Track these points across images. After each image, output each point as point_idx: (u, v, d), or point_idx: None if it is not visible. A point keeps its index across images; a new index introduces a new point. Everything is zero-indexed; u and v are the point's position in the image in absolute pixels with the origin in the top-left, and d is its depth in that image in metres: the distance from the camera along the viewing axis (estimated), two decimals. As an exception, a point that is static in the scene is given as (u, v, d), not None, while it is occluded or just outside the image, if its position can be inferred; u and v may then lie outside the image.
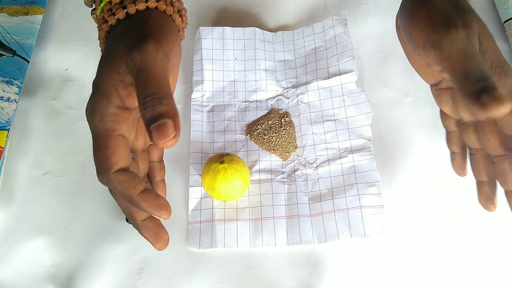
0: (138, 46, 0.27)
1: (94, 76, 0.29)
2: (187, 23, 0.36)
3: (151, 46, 0.27)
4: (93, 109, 0.28)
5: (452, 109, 0.35)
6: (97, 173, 0.27)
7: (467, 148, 0.36)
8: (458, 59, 0.27)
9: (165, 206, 0.27)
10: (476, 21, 0.29)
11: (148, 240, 0.30)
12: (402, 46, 0.36)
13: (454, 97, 0.35)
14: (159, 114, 0.24)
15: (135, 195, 0.26)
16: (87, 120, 0.28)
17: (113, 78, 0.28)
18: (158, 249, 0.30)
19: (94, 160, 0.27)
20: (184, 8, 0.34)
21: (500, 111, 0.24)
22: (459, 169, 0.38)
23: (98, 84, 0.28)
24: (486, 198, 0.35)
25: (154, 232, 0.29)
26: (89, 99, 0.28)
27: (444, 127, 0.38)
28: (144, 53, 0.26)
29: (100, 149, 0.27)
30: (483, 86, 0.25)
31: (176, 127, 0.24)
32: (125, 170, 0.27)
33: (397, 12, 0.35)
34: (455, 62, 0.27)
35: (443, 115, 0.37)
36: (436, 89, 0.36)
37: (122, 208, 0.30)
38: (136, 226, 0.30)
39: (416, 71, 0.37)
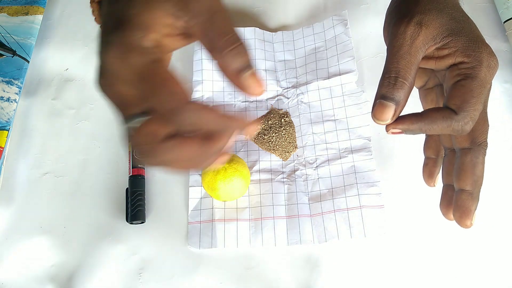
0: None
1: (101, 53, 0.24)
2: None
3: None
4: (128, 43, 0.23)
5: None
6: (168, 113, 0.22)
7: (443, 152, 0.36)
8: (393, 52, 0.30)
9: (259, 83, 0.25)
10: (435, 19, 0.30)
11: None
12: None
13: (438, 96, 0.35)
14: (248, 62, 0.24)
15: (221, 115, 0.24)
16: (117, 60, 0.23)
17: (154, 13, 0.24)
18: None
19: (156, 101, 0.22)
20: None
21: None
22: (429, 177, 0.37)
23: (129, 18, 0.23)
24: (447, 205, 0.34)
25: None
26: (112, 37, 0.23)
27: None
28: None
29: (161, 85, 0.23)
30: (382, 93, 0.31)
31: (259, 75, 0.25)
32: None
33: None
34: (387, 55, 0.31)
35: None
36: (423, 90, 0.36)
37: (186, 156, 0.24)
38: (225, 129, 0.25)
39: None
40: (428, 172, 0.37)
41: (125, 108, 0.24)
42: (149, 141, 0.23)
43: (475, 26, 0.31)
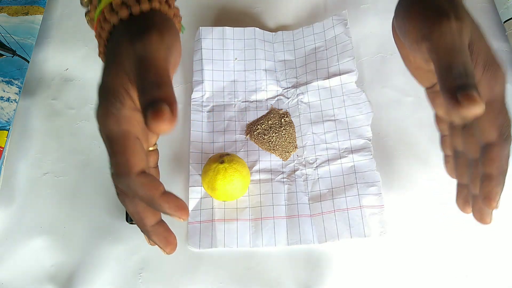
0: (141, 37, 0.26)
1: (99, 79, 0.28)
2: (182, 28, 0.36)
3: (154, 37, 0.26)
4: (107, 112, 0.27)
5: (446, 112, 0.35)
6: (116, 176, 0.27)
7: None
8: (445, 51, 0.26)
9: (184, 207, 0.27)
10: (469, 18, 0.29)
11: (158, 245, 0.30)
12: (398, 50, 0.36)
13: None
14: (156, 98, 0.23)
15: (157, 196, 0.26)
16: (100, 124, 0.27)
17: (122, 78, 0.27)
18: (167, 253, 0.30)
19: (112, 164, 0.27)
20: (180, 15, 0.35)
21: (471, 111, 0.24)
22: (452, 172, 0.37)
23: (107, 86, 0.27)
24: (464, 201, 0.34)
25: (164, 237, 0.29)
26: (99, 102, 0.27)
27: (438, 130, 0.38)
28: (147, 43, 0.26)
29: (119, 152, 0.26)
30: (463, 83, 0.24)
31: (173, 112, 0.23)
32: (144, 172, 0.27)
33: (393, 15, 0.35)
34: (441, 54, 0.26)
35: (437, 118, 0.37)
36: (431, 91, 0.36)
37: (131, 213, 0.29)
38: (146, 231, 0.29)
39: (411, 74, 0.36)
40: (451, 168, 0.37)
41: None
42: (116, 184, 0.29)
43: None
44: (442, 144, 0.38)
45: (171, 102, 0.23)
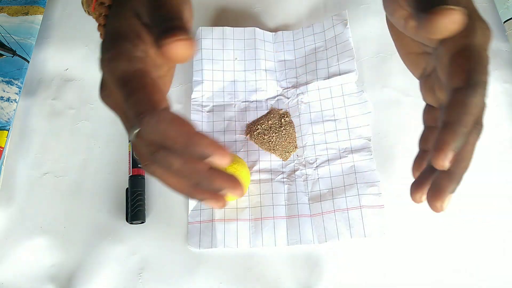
0: None
1: (106, 30, 0.26)
2: None
3: None
4: (117, 54, 0.24)
5: (434, 96, 0.32)
6: (137, 116, 0.22)
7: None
8: None
9: (224, 149, 0.23)
10: None
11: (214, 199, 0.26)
12: (392, 38, 0.34)
13: (435, 81, 0.31)
14: (172, 26, 0.22)
15: (192, 132, 0.22)
16: (109, 69, 0.24)
17: (132, 21, 0.25)
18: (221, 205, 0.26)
19: (131, 105, 0.23)
20: None
21: (448, 18, 0.23)
22: (416, 169, 0.32)
23: (115, 31, 0.25)
24: (418, 185, 0.29)
25: (230, 184, 0.25)
26: (105, 49, 0.25)
27: (423, 123, 0.33)
28: None
29: (138, 89, 0.23)
30: (439, 3, 0.23)
31: (191, 37, 0.22)
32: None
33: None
34: None
35: (426, 110, 0.33)
36: (423, 79, 0.33)
37: (173, 171, 0.24)
38: (200, 189, 0.25)
39: (405, 62, 0.34)
40: (417, 165, 0.31)
41: (124, 116, 0.25)
42: (141, 151, 0.24)
43: None
44: (422, 137, 0.33)
45: (186, 30, 0.22)
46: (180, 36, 0.21)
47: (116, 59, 0.24)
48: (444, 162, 0.24)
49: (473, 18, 0.26)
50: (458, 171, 0.26)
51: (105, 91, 0.26)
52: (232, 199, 0.46)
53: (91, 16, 0.34)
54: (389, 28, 0.34)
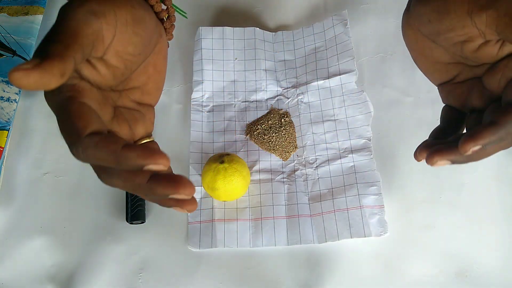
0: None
1: None
2: (183, 13, 0.34)
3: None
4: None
5: (463, 101, 0.32)
6: (70, 150, 0.23)
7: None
8: None
9: (158, 151, 0.21)
10: None
11: (175, 204, 0.24)
12: (409, 46, 0.34)
13: (472, 90, 0.32)
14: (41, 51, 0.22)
15: (119, 149, 0.21)
16: (47, 100, 0.24)
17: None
18: (189, 209, 0.24)
19: (63, 136, 0.23)
20: (173, 10, 0.32)
21: None
22: (422, 150, 0.31)
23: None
24: (425, 147, 0.29)
25: (173, 185, 0.23)
26: None
27: (441, 120, 0.34)
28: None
29: (65, 120, 0.23)
30: None
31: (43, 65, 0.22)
32: (99, 133, 0.23)
33: (403, 12, 0.34)
34: None
35: (445, 109, 0.34)
36: (449, 84, 0.33)
37: (122, 187, 0.24)
38: (159, 201, 0.25)
39: (424, 71, 0.34)
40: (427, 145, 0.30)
41: None
42: (92, 166, 0.25)
43: None
44: (435, 132, 0.34)
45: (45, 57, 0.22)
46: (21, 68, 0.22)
47: (49, 91, 0.24)
48: (468, 148, 0.25)
49: None
50: (465, 159, 0.27)
51: None
52: (232, 199, 0.46)
53: None
54: (409, 38, 0.33)
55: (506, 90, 0.27)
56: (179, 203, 0.24)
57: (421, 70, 0.35)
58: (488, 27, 0.27)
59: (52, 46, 0.22)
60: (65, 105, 0.23)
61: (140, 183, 0.23)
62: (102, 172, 0.24)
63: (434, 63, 0.33)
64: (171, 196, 0.23)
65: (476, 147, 0.25)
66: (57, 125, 0.24)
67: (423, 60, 0.34)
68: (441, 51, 0.31)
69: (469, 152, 0.25)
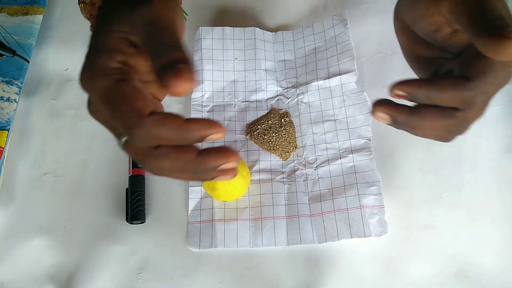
0: (145, 0, 0.25)
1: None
2: (184, 14, 0.35)
3: (158, 1, 0.25)
4: (94, 69, 0.24)
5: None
6: (126, 130, 0.23)
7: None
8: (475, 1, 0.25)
9: (215, 122, 0.23)
10: None
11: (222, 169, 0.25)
12: (398, 39, 0.34)
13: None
14: (173, 59, 0.22)
15: (182, 123, 0.23)
16: (86, 85, 0.24)
17: (115, 36, 0.25)
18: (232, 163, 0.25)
19: (118, 121, 0.23)
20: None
21: None
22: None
23: (95, 44, 0.26)
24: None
25: (224, 157, 0.24)
26: (84, 63, 0.25)
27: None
28: (153, 6, 0.25)
29: (120, 103, 0.23)
30: (502, 23, 0.23)
31: (192, 72, 0.22)
32: (155, 111, 0.23)
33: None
34: (470, 3, 0.25)
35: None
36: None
37: (171, 169, 0.25)
38: (204, 172, 0.25)
39: (411, 65, 0.34)
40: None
41: (112, 129, 0.26)
42: (135, 155, 0.25)
43: None
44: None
45: (188, 63, 0.22)
46: (185, 75, 0.22)
47: (94, 76, 0.24)
48: (395, 90, 0.27)
49: None
50: (407, 123, 0.28)
51: (91, 107, 0.27)
52: (232, 199, 0.46)
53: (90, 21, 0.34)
54: (397, 30, 0.34)
55: (466, 67, 0.27)
56: (225, 172, 0.25)
57: (409, 66, 0.34)
58: (450, 15, 0.27)
59: (180, 52, 0.23)
60: (117, 88, 0.24)
61: (190, 159, 0.24)
62: (148, 157, 0.24)
63: (417, 57, 0.33)
64: (221, 167, 0.24)
65: (400, 92, 0.26)
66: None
67: (408, 54, 0.34)
68: (422, 44, 0.31)
69: (394, 95, 0.26)
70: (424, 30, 0.30)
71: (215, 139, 0.24)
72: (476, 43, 0.25)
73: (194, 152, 0.24)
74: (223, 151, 0.24)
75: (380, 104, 0.28)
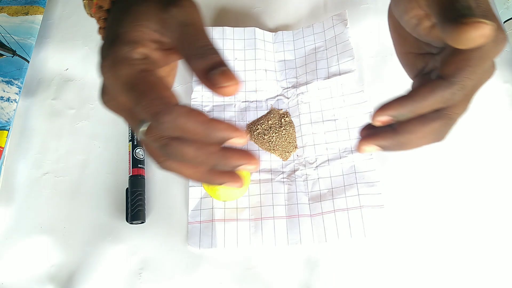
0: (176, 2, 0.26)
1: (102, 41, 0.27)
2: None
3: (189, 3, 0.26)
4: (117, 57, 0.24)
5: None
6: (153, 116, 0.23)
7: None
8: None
9: (238, 128, 0.24)
10: None
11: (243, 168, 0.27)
12: (391, 36, 0.34)
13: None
14: (218, 62, 0.23)
15: (208, 120, 0.23)
16: (108, 73, 0.24)
17: (140, 30, 0.26)
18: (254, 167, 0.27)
19: (143, 106, 0.23)
20: None
21: (479, 31, 0.22)
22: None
23: (117, 34, 0.26)
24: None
25: (246, 158, 0.26)
26: (104, 52, 0.25)
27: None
28: (185, 8, 0.26)
29: (147, 91, 0.23)
30: (467, 12, 0.23)
31: (235, 75, 0.23)
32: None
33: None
34: None
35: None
36: (420, 76, 0.33)
37: (192, 157, 0.25)
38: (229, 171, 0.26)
39: (402, 62, 0.34)
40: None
41: (131, 117, 0.26)
42: (158, 139, 0.25)
43: None
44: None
45: (227, 66, 0.23)
46: (233, 77, 0.23)
47: (117, 64, 0.24)
48: (377, 117, 0.26)
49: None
50: (395, 145, 0.27)
51: (107, 96, 0.27)
52: (232, 199, 0.46)
53: (93, 18, 0.34)
54: (390, 26, 0.34)
55: (442, 65, 0.26)
56: (236, 179, 0.27)
57: (400, 63, 0.35)
58: (427, 7, 0.27)
59: (219, 55, 0.24)
60: (144, 77, 0.24)
61: (214, 151, 0.25)
62: (174, 141, 0.24)
63: (406, 53, 0.33)
64: (241, 167, 0.26)
65: (384, 118, 0.26)
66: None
67: (399, 50, 0.34)
68: (411, 40, 0.32)
69: (379, 122, 0.26)
70: (408, 24, 0.30)
71: (236, 143, 0.25)
72: (441, 33, 0.24)
73: (218, 146, 0.25)
74: (247, 152, 0.26)
75: (364, 140, 0.27)
